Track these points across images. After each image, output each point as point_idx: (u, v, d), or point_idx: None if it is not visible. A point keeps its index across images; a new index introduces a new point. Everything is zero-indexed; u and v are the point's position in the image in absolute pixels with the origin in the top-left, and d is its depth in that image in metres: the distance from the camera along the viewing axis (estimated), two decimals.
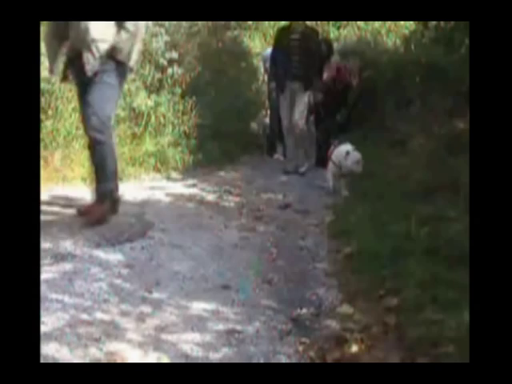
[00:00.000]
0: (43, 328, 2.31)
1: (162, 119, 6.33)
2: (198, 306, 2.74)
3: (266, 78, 8.35)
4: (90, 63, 3.66)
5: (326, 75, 7.03)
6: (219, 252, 3.59)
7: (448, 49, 5.76)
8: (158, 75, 6.44)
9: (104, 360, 2.19)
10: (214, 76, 7.42)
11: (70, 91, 5.61)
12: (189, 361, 2.24)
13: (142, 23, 3.85)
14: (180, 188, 5.43)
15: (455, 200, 3.89)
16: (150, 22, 6.28)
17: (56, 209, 4.21)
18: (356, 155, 5.26)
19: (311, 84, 6.47)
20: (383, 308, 2.66)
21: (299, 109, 6.48)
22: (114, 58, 3.77)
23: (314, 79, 6.48)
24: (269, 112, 8.27)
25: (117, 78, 3.85)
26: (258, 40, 10.36)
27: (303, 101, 6.47)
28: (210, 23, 7.79)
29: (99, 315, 2.55)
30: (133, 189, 5.18)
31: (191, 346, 2.35)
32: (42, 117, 5.16)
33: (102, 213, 3.89)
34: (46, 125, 5.28)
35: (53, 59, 3.95)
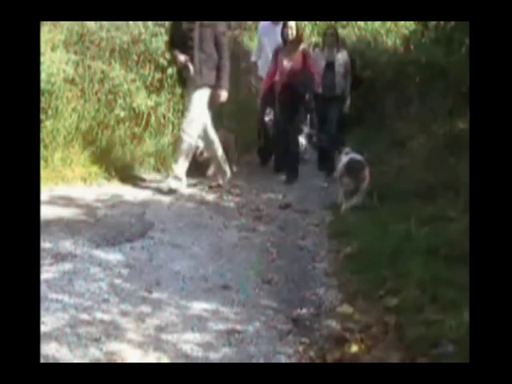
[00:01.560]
0: (43, 328, 2.31)
1: (162, 119, 6.34)
2: (198, 306, 2.73)
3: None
4: None
5: (288, 64, 5.89)
6: (219, 252, 3.59)
7: (448, 49, 5.76)
8: (158, 75, 6.43)
9: (104, 360, 2.19)
10: None
11: (69, 91, 5.62)
12: (189, 361, 2.24)
13: None
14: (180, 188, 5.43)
15: (455, 200, 3.89)
16: (149, 22, 6.29)
17: (56, 209, 4.21)
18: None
19: (210, 81, 5.09)
20: (383, 308, 2.66)
21: (192, 113, 5.13)
22: None
23: (210, 74, 5.09)
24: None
25: None
26: None
27: (197, 101, 5.11)
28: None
29: (99, 315, 2.55)
30: (133, 189, 5.19)
31: (191, 346, 2.35)
32: (42, 117, 5.16)
33: None
34: (46, 125, 5.27)
35: None
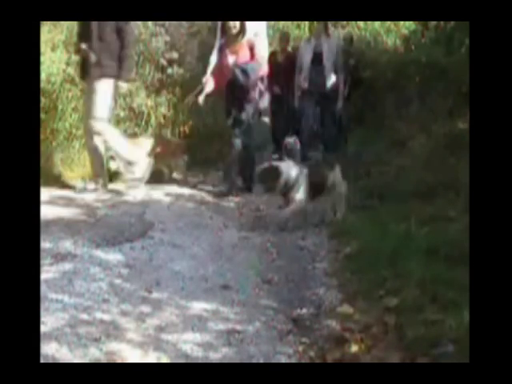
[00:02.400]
0: (43, 328, 2.31)
1: (162, 119, 6.34)
2: (198, 306, 2.73)
3: None
4: None
5: (231, 59, 5.23)
6: (219, 252, 3.59)
7: (448, 49, 5.76)
8: (158, 75, 6.44)
9: (104, 360, 2.19)
10: None
11: (69, 91, 5.63)
12: (189, 361, 2.24)
13: None
14: (180, 188, 5.43)
15: (455, 200, 3.89)
16: (149, 22, 6.30)
17: (56, 209, 4.21)
18: None
19: (111, 72, 4.80)
20: (383, 308, 2.66)
21: (98, 110, 4.84)
22: None
23: (112, 65, 4.80)
24: None
25: None
26: None
27: (101, 96, 4.82)
28: (209, 23, 7.79)
29: (99, 315, 2.55)
30: (133, 189, 5.19)
31: (191, 346, 2.35)
32: (42, 117, 5.16)
33: None
34: (46, 125, 5.28)
35: None
